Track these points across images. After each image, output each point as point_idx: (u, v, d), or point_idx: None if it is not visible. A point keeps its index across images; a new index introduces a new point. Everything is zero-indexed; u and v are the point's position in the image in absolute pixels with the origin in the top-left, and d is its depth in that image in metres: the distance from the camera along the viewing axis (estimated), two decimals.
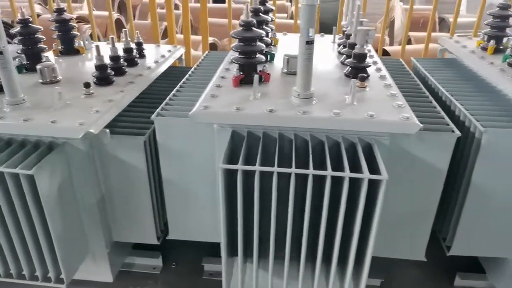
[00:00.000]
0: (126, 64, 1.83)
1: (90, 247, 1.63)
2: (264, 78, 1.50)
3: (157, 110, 1.50)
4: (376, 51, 2.33)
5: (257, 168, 1.17)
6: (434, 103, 1.66)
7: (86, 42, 2.16)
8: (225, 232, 1.29)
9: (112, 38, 1.74)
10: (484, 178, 1.45)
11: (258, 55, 1.48)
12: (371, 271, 1.26)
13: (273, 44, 1.99)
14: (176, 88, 1.74)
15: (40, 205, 1.31)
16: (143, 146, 1.47)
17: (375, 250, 1.22)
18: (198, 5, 2.84)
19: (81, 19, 4.37)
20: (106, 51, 1.77)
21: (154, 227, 1.66)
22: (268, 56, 1.76)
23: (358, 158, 1.22)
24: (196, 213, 1.63)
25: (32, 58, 1.80)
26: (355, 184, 1.16)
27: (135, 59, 1.93)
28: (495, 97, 1.69)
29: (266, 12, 1.86)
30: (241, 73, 1.48)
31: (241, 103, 1.33)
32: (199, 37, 3.37)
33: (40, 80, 1.68)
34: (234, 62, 1.50)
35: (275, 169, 1.17)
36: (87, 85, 1.55)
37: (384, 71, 1.68)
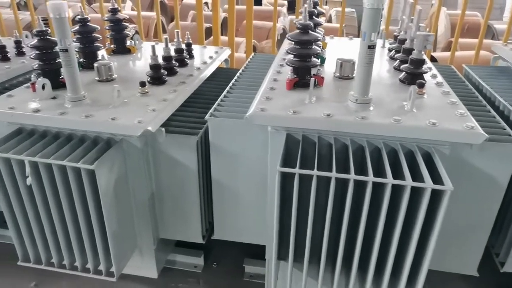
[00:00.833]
0: (177, 64, 1.86)
1: (138, 243, 1.66)
2: (318, 82, 1.49)
3: (210, 111, 1.52)
4: None
5: (315, 172, 1.16)
6: (493, 112, 1.60)
7: (137, 42, 2.21)
8: (277, 235, 1.29)
9: (166, 38, 1.78)
10: None
11: (313, 59, 1.47)
12: None
13: (322, 47, 1.97)
14: (226, 90, 1.76)
15: (97, 199, 1.35)
16: (196, 145, 1.49)
17: None
18: (237, 7, 2.86)
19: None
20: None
21: (200, 226, 1.68)
22: (319, 60, 1.74)
23: (417, 167, 1.19)
24: (243, 215, 1.63)
25: (88, 56, 1.86)
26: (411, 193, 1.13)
27: (185, 59, 1.97)
28: None
29: (317, 15, 1.85)
30: (295, 76, 1.48)
31: (297, 107, 1.33)
32: (238, 39, 3.40)
33: (97, 78, 1.73)
34: (288, 65, 1.49)
35: (333, 174, 1.15)
36: (143, 84, 1.59)
37: (440, 78, 1.63)
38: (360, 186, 1.18)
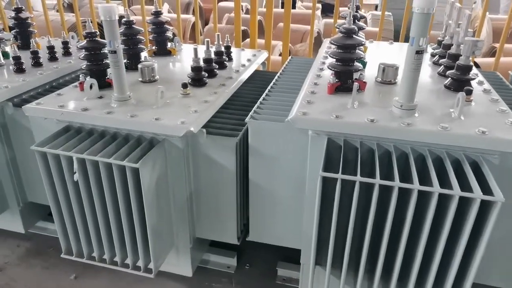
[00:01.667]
0: (217, 66, 1.89)
1: (175, 241, 1.69)
2: (360, 87, 1.47)
3: (250, 113, 1.53)
4: None
5: (358, 178, 1.15)
6: None
7: (177, 44, 2.26)
8: (315, 240, 1.28)
9: (208, 41, 1.80)
10: None
11: (356, 63, 1.46)
12: None
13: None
14: (265, 92, 1.77)
15: (140, 197, 1.39)
16: (235, 147, 1.51)
17: None
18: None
19: None
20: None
21: (236, 227, 1.69)
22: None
23: (464, 176, 1.15)
24: (278, 218, 1.63)
25: (132, 57, 1.92)
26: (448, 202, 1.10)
27: (225, 62, 1.99)
28: None
29: (359, 19, 1.83)
30: (337, 80, 1.47)
31: (340, 111, 1.32)
32: (272, 42, 3.39)
33: (140, 79, 1.78)
34: (330, 69, 1.48)
35: (377, 181, 1.13)
36: (185, 85, 1.62)
37: (487, 85, 1.58)
38: (403, 194, 1.15)
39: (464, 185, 1.12)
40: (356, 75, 1.49)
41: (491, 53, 3.85)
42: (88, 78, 1.59)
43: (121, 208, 1.43)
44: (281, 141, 1.48)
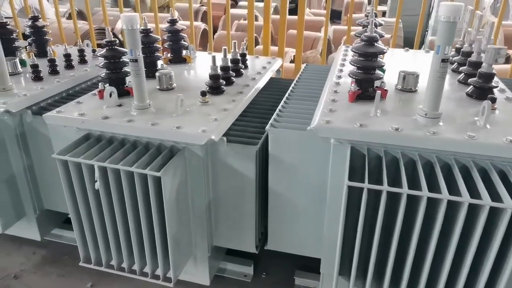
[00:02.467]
0: (234, 74, 1.89)
1: (193, 249, 1.68)
2: (382, 95, 1.46)
3: (270, 121, 1.53)
4: None
5: (385, 188, 1.13)
6: None
7: (191, 51, 2.26)
8: (340, 249, 1.26)
9: (225, 49, 1.81)
10: None
11: (377, 71, 1.45)
12: None
13: None
14: (283, 100, 1.76)
15: (160, 205, 1.39)
16: (255, 155, 1.50)
17: None
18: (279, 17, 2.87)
19: None
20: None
21: (254, 236, 1.68)
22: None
23: (492, 185, 1.14)
24: (298, 226, 1.62)
25: (149, 65, 1.92)
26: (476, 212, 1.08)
27: (241, 69, 1.99)
28: None
29: (376, 26, 1.83)
30: (358, 88, 1.46)
31: (363, 120, 1.31)
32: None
33: (158, 86, 1.79)
34: (351, 77, 1.47)
35: (405, 190, 1.12)
36: (203, 93, 1.62)
37: (510, 92, 1.56)
38: (430, 204, 1.14)
39: (494, 196, 1.10)
40: (377, 83, 1.48)
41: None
42: (108, 86, 1.59)
43: (141, 216, 1.43)
44: (301, 149, 1.47)
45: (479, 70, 1.46)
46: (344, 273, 1.39)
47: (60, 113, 1.55)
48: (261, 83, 1.97)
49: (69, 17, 5.85)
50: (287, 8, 2.75)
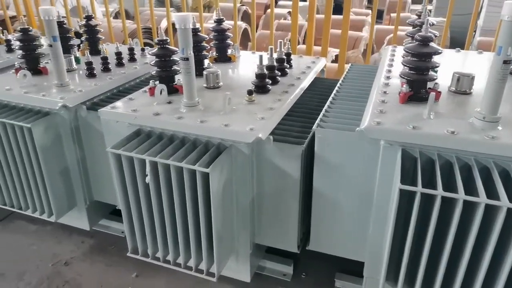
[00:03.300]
0: (279, 73, 1.89)
1: (236, 246, 1.70)
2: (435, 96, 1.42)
3: (317, 122, 1.52)
4: None
5: (439, 192, 1.10)
6: None
7: (236, 50, 2.29)
8: (388, 254, 1.24)
9: (271, 48, 1.81)
10: None
11: (431, 72, 1.41)
12: None
13: None
14: (329, 100, 1.75)
15: (207, 200, 1.42)
16: (301, 155, 1.50)
17: None
18: (321, 16, 2.83)
19: None
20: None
21: (296, 235, 1.68)
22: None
23: None
24: (341, 228, 1.60)
25: (196, 64, 1.93)
26: None
27: (286, 69, 1.99)
28: None
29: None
30: (410, 89, 1.42)
31: (416, 122, 1.27)
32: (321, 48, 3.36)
33: (205, 85, 1.82)
34: (403, 78, 1.44)
35: (461, 196, 1.08)
36: (250, 92, 1.64)
37: None
38: (487, 210, 1.09)
39: None
40: (430, 84, 1.44)
41: None
42: (158, 84, 1.64)
43: (188, 210, 1.46)
44: (348, 150, 1.45)
45: None
46: (389, 278, 1.36)
47: (114, 108, 1.61)
48: (306, 83, 1.97)
49: (115, 16, 6.08)
50: (332, 8, 2.72)
